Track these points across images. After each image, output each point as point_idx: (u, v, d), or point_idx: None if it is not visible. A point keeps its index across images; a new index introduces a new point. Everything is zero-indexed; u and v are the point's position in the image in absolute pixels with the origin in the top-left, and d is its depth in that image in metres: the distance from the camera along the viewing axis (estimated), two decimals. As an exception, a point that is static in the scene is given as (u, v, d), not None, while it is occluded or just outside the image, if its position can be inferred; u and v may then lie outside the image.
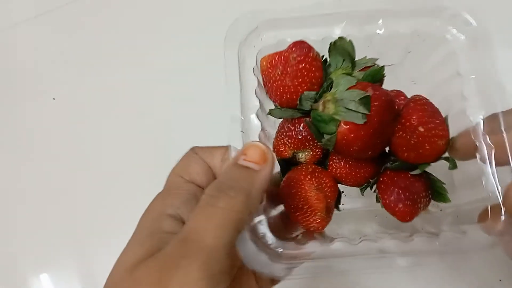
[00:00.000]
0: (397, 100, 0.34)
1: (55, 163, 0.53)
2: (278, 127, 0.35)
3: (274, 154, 0.28)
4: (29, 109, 0.56)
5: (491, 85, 0.31)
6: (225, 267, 0.24)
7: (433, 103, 0.32)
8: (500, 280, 0.38)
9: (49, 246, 0.50)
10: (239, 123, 0.29)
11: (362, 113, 0.29)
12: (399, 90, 0.35)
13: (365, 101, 0.29)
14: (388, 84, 0.34)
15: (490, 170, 0.29)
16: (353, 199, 0.36)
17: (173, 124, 0.54)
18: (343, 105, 0.29)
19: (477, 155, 0.30)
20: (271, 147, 0.35)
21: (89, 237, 0.50)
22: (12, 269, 0.50)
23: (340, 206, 0.35)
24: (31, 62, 0.58)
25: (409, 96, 0.34)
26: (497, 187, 0.29)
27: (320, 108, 0.30)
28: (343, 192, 0.35)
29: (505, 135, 0.28)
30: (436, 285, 0.43)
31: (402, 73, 0.37)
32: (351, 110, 0.29)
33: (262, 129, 0.31)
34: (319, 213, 0.31)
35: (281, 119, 0.35)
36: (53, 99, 0.56)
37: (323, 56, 0.33)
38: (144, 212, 0.29)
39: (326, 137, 0.30)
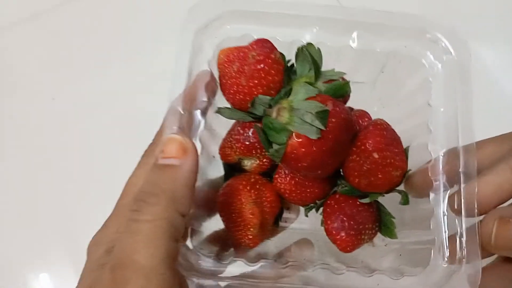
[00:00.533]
0: (360, 121, 0.32)
1: (54, 162, 0.52)
2: (230, 127, 0.32)
3: (195, 144, 0.25)
4: (29, 109, 0.54)
5: (459, 121, 0.29)
6: (171, 282, 0.21)
7: (397, 130, 0.30)
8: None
9: (49, 246, 0.48)
10: (178, 117, 0.26)
11: (317, 127, 0.26)
12: (364, 111, 0.33)
13: (323, 115, 0.26)
14: (355, 103, 0.32)
15: (441, 214, 0.27)
16: (298, 217, 0.33)
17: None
18: (299, 116, 0.27)
19: (431, 195, 0.28)
20: (217, 148, 0.32)
21: (88, 236, 0.48)
22: (11, 269, 0.48)
23: (282, 223, 0.32)
24: (30, 62, 0.57)
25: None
26: (444, 232, 0.27)
27: (274, 114, 0.27)
28: (288, 208, 0.33)
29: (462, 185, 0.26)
30: None
31: (371, 93, 0.35)
32: (306, 122, 0.26)
33: (207, 127, 0.29)
34: (251, 229, 0.28)
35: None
36: (53, 99, 0.55)
37: (289, 61, 0.30)
38: (92, 239, 0.26)
39: (275, 147, 0.27)
